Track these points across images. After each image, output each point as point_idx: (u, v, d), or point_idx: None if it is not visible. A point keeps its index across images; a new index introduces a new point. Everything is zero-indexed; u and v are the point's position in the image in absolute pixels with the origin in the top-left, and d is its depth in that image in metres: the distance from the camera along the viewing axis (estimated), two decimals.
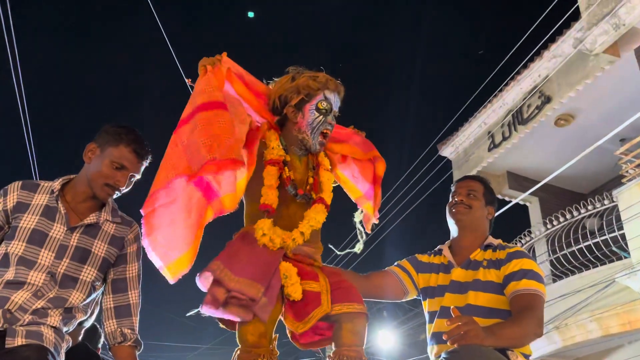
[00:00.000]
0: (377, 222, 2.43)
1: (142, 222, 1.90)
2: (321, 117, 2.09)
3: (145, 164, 2.10)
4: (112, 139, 2.03)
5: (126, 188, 2.08)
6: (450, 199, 2.41)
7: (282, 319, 1.97)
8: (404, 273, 2.37)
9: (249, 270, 1.86)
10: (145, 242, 1.91)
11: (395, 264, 2.44)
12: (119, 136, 2.03)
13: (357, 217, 2.41)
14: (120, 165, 2.01)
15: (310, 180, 2.13)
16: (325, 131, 2.11)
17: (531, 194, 8.86)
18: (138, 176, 2.10)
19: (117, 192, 2.05)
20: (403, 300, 2.41)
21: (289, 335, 2.04)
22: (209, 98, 1.95)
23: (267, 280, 1.86)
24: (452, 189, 2.44)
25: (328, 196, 2.12)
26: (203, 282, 1.92)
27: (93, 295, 2.04)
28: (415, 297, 2.40)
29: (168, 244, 1.94)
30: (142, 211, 1.89)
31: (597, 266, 7.39)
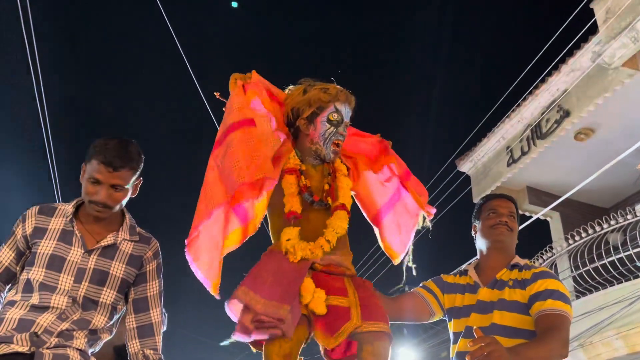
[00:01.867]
0: (431, 216, 2.41)
1: (185, 250, 1.99)
2: (332, 128, 2.13)
3: (127, 171, 1.94)
4: (88, 156, 1.95)
5: (117, 201, 1.97)
6: (490, 218, 2.32)
7: (313, 335, 1.98)
8: (430, 294, 2.34)
9: (275, 290, 1.90)
10: (193, 267, 1.99)
11: (421, 285, 2.41)
12: (92, 150, 1.94)
13: (409, 261, 2.41)
14: (95, 179, 1.92)
15: (327, 187, 2.16)
16: (337, 141, 2.15)
17: (552, 209, 8.76)
18: (127, 185, 1.97)
19: (107, 207, 1.96)
20: (429, 321, 2.39)
21: (321, 352, 2.05)
22: (239, 117, 2.06)
23: (292, 298, 1.89)
24: (486, 204, 2.37)
25: (347, 201, 2.15)
26: (232, 309, 1.96)
27: (116, 316, 2.05)
28: (441, 317, 2.37)
29: (211, 263, 2.02)
30: (186, 241, 1.98)
31: (622, 282, 7.25)
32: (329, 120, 2.13)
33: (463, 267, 2.41)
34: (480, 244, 2.36)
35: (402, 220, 2.41)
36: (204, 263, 2.00)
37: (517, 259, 2.27)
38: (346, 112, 2.17)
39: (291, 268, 1.97)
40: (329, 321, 1.93)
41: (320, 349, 2.03)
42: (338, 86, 2.20)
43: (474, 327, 1.88)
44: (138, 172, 2.00)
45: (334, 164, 2.21)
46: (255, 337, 1.88)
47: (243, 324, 1.87)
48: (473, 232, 2.41)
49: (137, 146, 2.01)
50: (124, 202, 2.03)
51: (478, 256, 2.39)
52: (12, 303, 1.91)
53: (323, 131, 2.13)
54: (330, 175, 2.18)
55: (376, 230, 2.41)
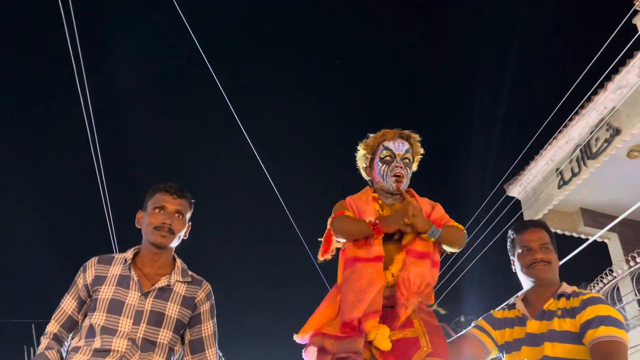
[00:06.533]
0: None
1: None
2: (385, 166, 2.31)
3: (186, 201, 2.22)
4: (148, 196, 2.22)
5: (179, 230, 2.18)
6: (524, 255, 2.26)
7: None
8: (483, 333, 2.31)
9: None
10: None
11: (473, 325, 2.40)
12: (152, 190, 2.22)
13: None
14: (160, 206, 2.16)
15: None
16: (396, 173, 2.29)
17: (609, 230, 8.44)
18: (187, 214, 2.22)
19: (171, 233, 2.15)
20: None
21: None
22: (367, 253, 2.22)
23: (363, 329, 2.03)
24: (516, 238, 2.31)
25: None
26: (309, 354, 2.12)
27: (173, 358, 2.13)
28: (497, 354, 2.34)
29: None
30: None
31: None
32: (380, 160, 2.33)
33: (511, 300, 2.37)
34: (523, 280, 2.31)
35: None
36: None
37: (564, 287, 2.21)
38: (396, 145, 2.34)
39: None
40: (398, 355, 2.01)
41: None
42: (391, 129, 2.39)
43: (524, 359, 1.86)
44: (191, 210, 2.25)
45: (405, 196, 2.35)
46: None
47: None
48: (513, 268, 2.36)
49: None
50: (179, 238, 2.21)
51: (524, 289, 2.35)
52: (76, 349, 2.02)
53: (378, 170, 2.34)
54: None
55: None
